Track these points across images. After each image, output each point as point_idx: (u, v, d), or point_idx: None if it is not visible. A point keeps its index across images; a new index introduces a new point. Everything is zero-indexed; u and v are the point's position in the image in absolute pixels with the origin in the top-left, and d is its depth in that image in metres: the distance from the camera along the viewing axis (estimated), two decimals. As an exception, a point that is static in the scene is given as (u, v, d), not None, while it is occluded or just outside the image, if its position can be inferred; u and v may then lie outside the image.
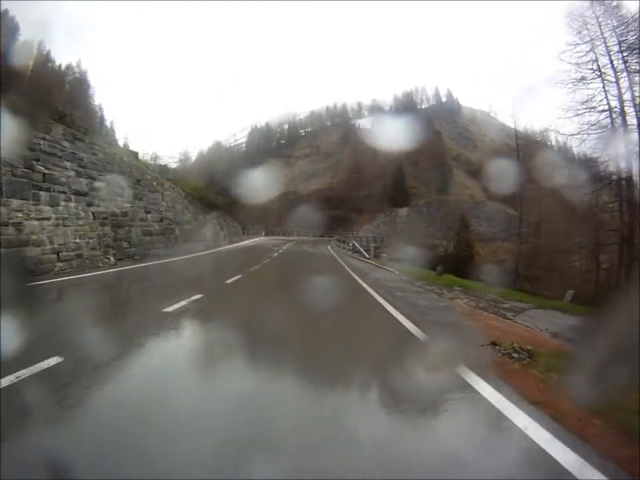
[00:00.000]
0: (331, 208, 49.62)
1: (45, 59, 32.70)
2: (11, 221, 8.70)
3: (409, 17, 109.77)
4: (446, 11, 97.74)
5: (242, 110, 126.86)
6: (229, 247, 23.07)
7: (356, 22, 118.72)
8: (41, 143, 10.12)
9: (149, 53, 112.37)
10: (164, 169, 23.25)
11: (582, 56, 19.38)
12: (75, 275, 9.87)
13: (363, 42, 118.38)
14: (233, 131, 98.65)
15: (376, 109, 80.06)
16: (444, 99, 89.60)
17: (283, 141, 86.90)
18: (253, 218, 51.90)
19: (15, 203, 8.96)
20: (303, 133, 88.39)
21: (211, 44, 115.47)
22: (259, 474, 1.97)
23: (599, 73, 18.89)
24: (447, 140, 73.26)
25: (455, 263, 30.54)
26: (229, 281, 9.39)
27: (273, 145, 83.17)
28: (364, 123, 78.12)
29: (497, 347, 4.14)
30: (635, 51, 17.29)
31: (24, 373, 3.06)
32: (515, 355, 3.90)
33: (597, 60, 19.09)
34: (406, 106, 79.44)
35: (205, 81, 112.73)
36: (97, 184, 12.46)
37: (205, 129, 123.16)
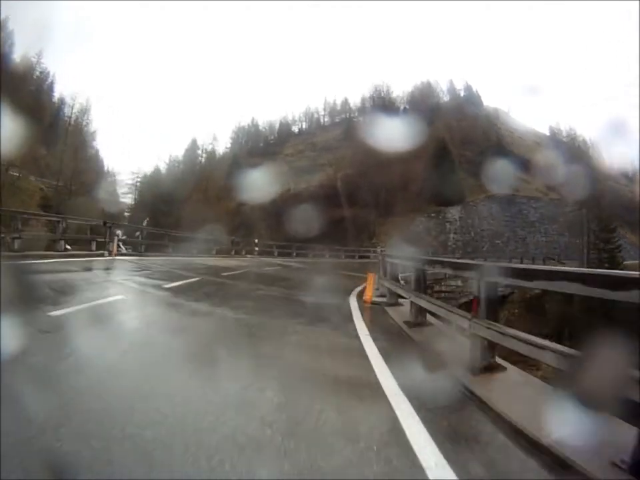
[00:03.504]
0: (336, 208, 29.30)
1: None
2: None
3: (416, 14, 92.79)
4: (455, 9, 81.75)
5: (229, 112, 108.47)
6: None
7: (350, 21, 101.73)
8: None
9: (122, 57, 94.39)
10: None
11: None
12: None
13: (357, 38, 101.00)
14: (214, 132, 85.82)
15: (385, 102, 63.11)
16: (462, 93, 73.82)
17: (272, 140, 73.22)
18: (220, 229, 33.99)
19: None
20: (297, 131, 75.67)
21: (194, 40, 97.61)
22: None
23: None
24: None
25: None
26: None
27: (260, 146, 69.33)
28: (373, 116, 62.83)
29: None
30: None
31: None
32: None
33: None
34: (424, 97, 63.12)
35: (185, 82, 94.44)
36: None
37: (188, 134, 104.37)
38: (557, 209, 38.04)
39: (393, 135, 39.57)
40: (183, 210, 42.98)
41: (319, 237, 27.97)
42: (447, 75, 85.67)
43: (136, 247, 14.29)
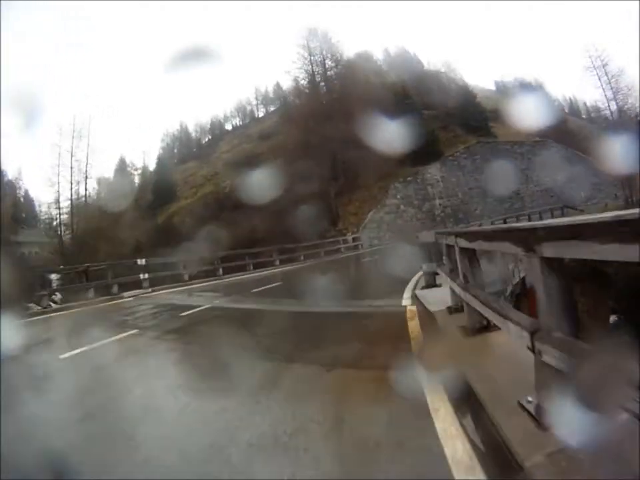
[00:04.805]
0: (282, 196, 21.53)
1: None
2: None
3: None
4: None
5: (157, 122, 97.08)
6: None
7: None
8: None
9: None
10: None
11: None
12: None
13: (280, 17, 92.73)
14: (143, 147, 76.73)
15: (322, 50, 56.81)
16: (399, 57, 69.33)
17: (205, 143, 67.08)
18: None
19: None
20: (230, 127, 70.12)
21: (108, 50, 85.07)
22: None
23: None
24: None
25: None
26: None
27: (193, 150, 62.03)
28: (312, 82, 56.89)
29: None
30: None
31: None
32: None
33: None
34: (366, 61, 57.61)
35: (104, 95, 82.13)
36: None
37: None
38: (545, 151, 32.25)
39: (338, 97, 32.56)
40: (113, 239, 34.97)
41: (268, 236, 20.38)
42: (382, 44, 79.63)
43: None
